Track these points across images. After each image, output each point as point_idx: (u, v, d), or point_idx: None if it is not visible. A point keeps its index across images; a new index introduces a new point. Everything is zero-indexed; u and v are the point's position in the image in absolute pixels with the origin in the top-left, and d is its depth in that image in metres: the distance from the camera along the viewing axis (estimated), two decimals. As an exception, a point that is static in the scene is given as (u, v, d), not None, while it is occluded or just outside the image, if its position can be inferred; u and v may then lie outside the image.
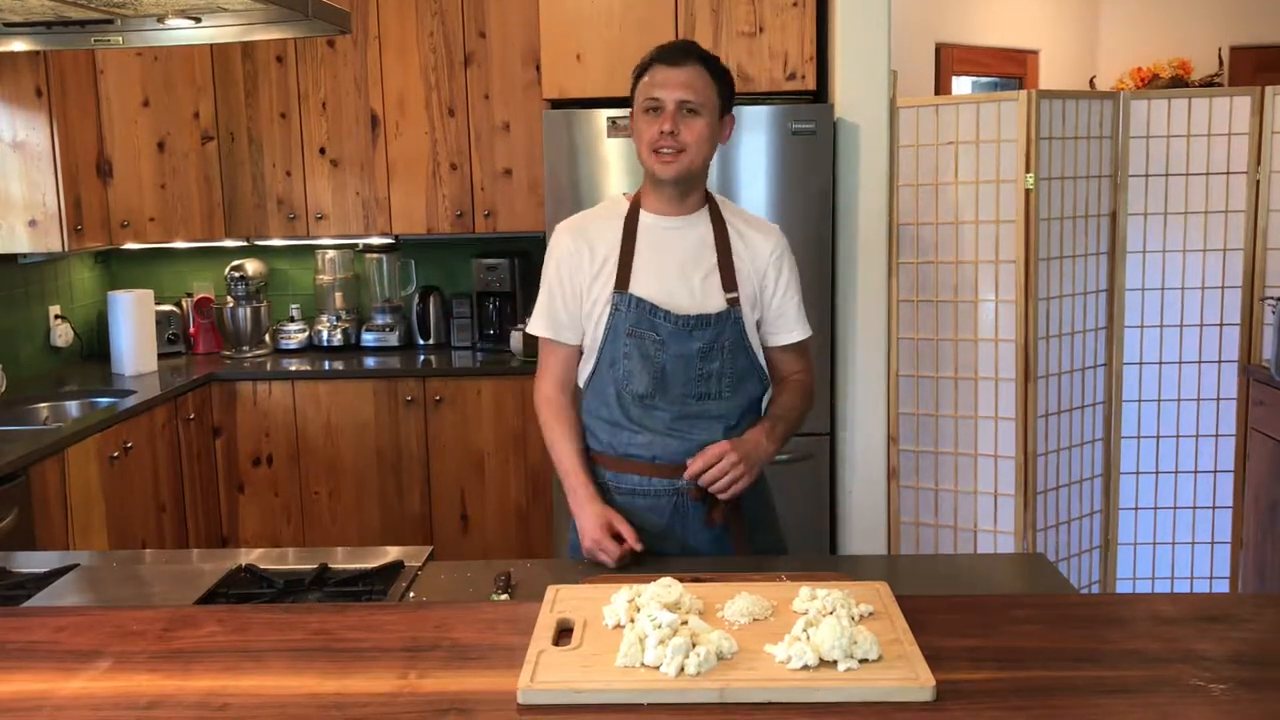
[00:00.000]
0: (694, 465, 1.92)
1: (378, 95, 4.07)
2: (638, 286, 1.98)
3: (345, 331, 4.34)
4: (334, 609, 1.58)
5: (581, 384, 2.08)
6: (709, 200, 2.07)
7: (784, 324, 2.08)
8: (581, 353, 2.07)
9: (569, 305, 2.04)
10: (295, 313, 4.42)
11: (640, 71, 1.99)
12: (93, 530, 3.16)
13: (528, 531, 3.98)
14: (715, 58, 2.01)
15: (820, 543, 3.60)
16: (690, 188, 2.01)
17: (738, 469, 1.90)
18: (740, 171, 3.46)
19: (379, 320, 4.37)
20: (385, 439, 3.95)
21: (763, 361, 2.07)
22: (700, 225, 2.03)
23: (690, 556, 2.01)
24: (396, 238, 4.29)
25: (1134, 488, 3.68)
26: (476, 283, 4.25)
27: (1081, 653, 1.36)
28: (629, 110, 2.05)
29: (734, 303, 2.00)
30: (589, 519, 1.94)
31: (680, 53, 1.97)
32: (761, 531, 2.10)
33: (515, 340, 4.08)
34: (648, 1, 3.56)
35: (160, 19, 1.86)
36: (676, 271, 1.99)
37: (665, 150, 1.93)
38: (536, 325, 2.08)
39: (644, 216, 2.02)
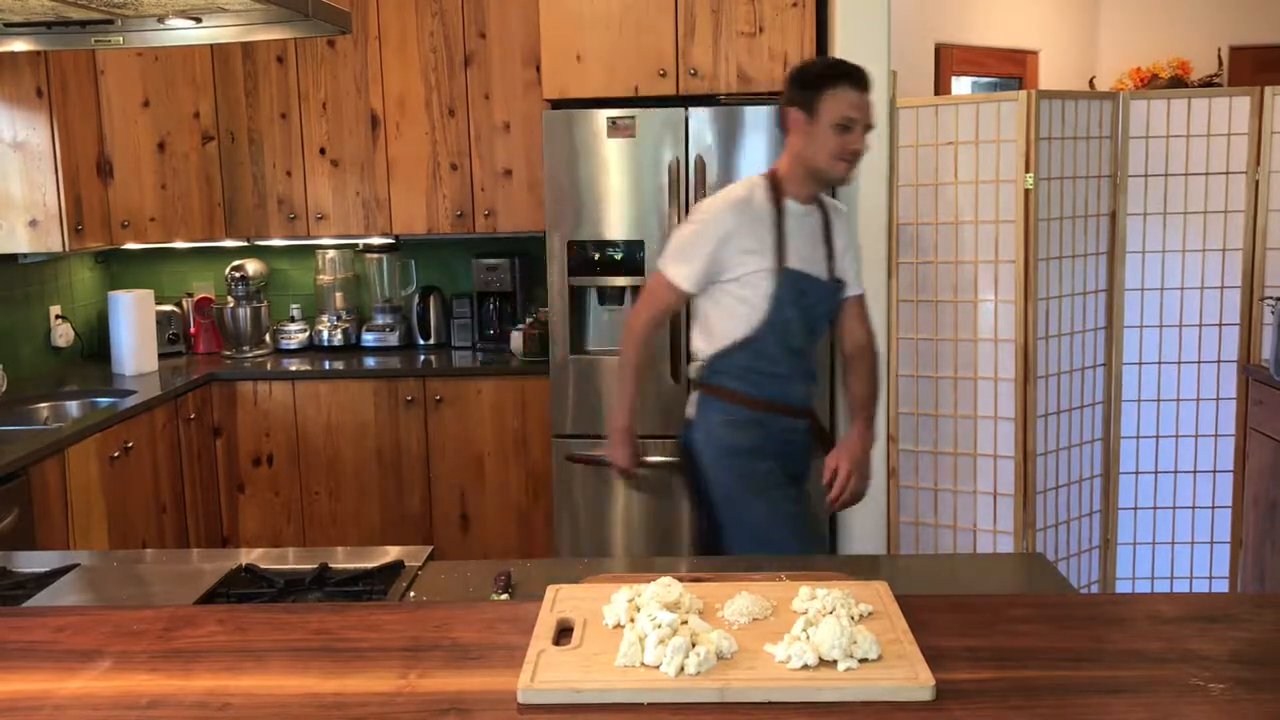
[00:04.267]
0: (834, 495, 2.44)
1: (378, 95, 4.07)
2: (792, 260, 2.38)
3: (345, 331, 4.34)
4: (334, 609, 1.58)
5: (729, 341, 2.40)
6: None
7: (850, 281, 2.53)
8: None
9: (710, 270, 2.38)
10: (295, 313, 4.42)
11: (823, 84, 2.34)
12: (93, 530, 3.16)
13: (528, 531, 3.98)
14: None
15: (820, 543, 3.59)
16: None
17: (858, 483, 2.46)
18: (740, 171, 3.46)
19: (379, 320, 4.37)
20: (385, 439, 3.95)
21: None
22: (818, 211, 2.48)
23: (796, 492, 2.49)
24: (397, 238, 4.29)
25: (1133, 487, 3.68)
26: (476, 283, 4.25)
27: (1081, 653, 1.36)
28: (789, 111, 2.38)
29: (837, 271, 2.48)
30: (628, 441, 2.53)
31: (866, 78, 2.37)
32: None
33: (515, 340, 4.08)
34: (648, 2, 3.56)
35: (160, 19, 1.86)
36: (812, 247, 2.43)
37: (851, 161, 2.37)
38: (679, 274, 2.41)
39: (789, 203, 2.41)
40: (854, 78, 2.35)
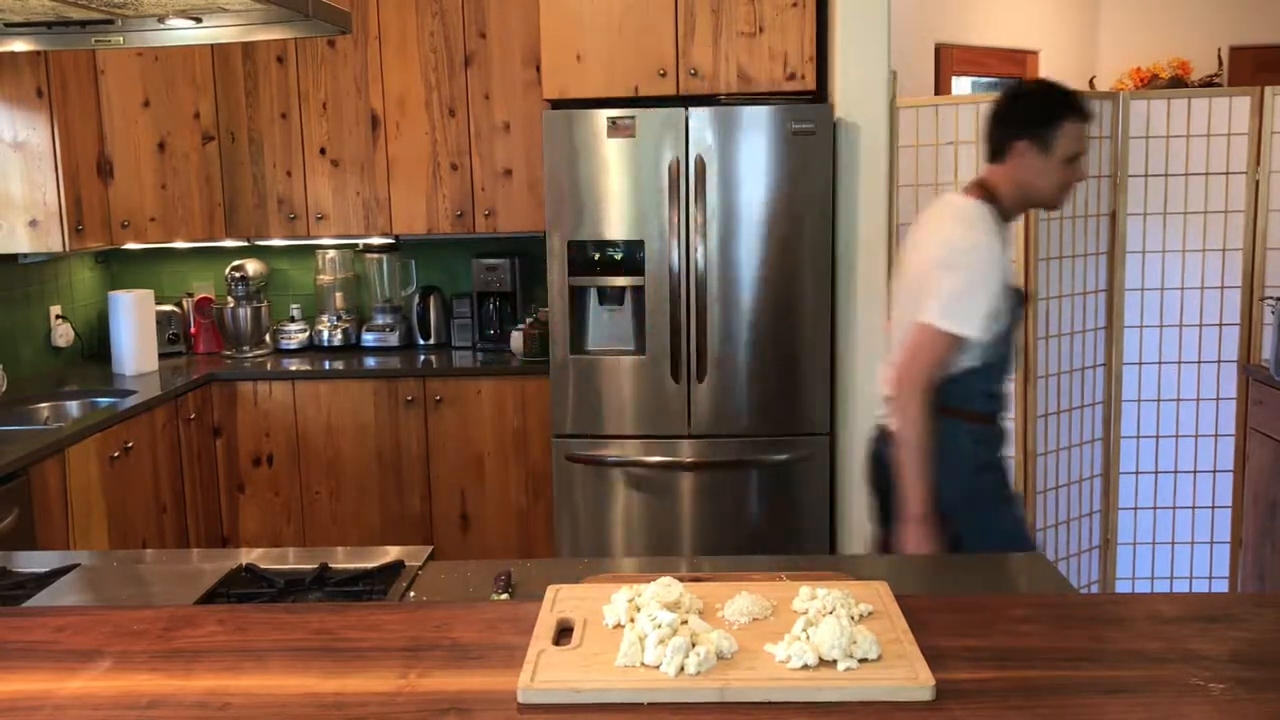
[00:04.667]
0: None
1: (378, 95, 4.07)
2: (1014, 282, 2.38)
3: (345, 331, 4.34)
4: (334, 609, 1.58)
5: (959, 370, 2.30)
6: None
7: None
8: None
9: (995, 312, 2.26)
10: (295, 313, 4.42)
11: (1059, 118, 2.31)
12: (93, 530, 3.16)
13: (528, 531, 3.98)
14: None
15: (820, 543, 3.60)
16: None
17: None
18: (740, 171, 3.46)
19: (379, 320, 4.37)
20: (385, 439, 3.95)
21: None
22: None
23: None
24: (397, 238, 4.29)
25: (1133, 487, 3.68)
26: (477, 283, 4.25)
27: (1081, 653, 1.36)
28: (1018, 143, 2.33)
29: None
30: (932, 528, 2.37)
31: (1089, 108, 2.36)
32: None
33: (515, 340, 4.08)
34: (648, 2, 3.56)
35: (161, 19, 1.86)
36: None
37: (1071, 191, 2.37)
38: (968, 327, 2.24)
39: (1006, 225, 2.38)
40: (1083, 110, 2.33)
